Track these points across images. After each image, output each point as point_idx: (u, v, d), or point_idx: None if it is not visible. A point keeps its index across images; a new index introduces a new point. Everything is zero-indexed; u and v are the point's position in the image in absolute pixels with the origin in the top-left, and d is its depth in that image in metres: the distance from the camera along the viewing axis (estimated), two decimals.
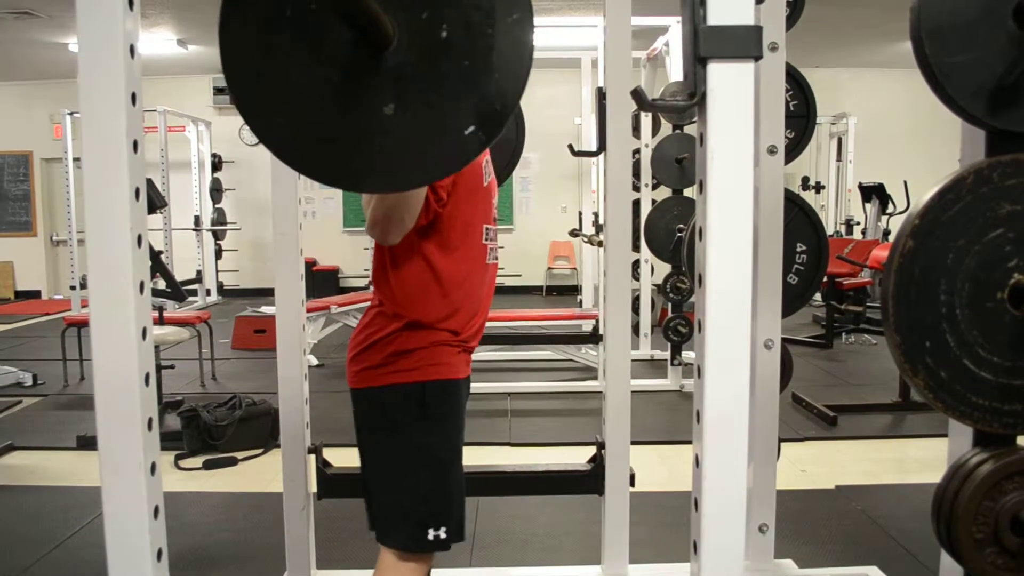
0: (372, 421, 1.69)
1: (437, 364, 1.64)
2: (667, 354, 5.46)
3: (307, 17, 0.99)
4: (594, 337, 5.33)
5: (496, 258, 1.79)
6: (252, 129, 1.04)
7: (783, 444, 2.54)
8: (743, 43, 1.06)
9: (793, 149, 2.63)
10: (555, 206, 10.97)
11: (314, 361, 5.99)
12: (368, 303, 1.75)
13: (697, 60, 1.07)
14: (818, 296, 7.34)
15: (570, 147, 3.26)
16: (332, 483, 2.37)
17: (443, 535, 1.62)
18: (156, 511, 1.17)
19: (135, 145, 1.13)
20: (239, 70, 1.02)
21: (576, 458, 2.64)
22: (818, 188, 9.76)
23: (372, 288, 1.74)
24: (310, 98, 1.02)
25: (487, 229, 1.73)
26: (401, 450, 1.65)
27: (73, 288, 8.64)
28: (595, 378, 5.45)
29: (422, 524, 1.62)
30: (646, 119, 5.65)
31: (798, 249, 2.53)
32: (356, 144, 1.03)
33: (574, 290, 10.32)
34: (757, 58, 1.07)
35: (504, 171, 2.04)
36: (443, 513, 1.64)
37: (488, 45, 1.01)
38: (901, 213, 8.14)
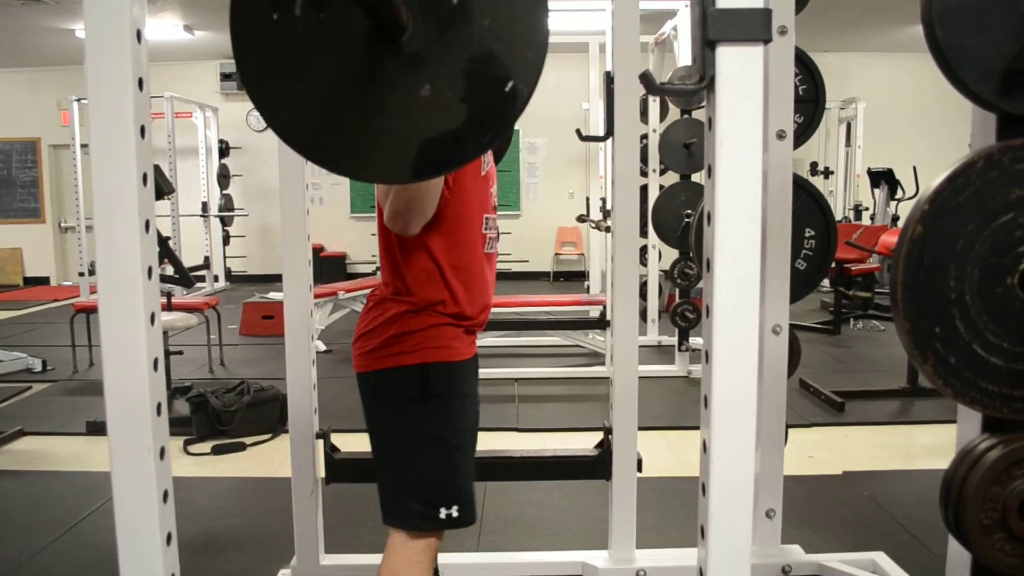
0: (377, 404, 1.69)
1: (439, 347, 1.64)
2: (674, 340, 5.47)
3: (323, 19, 0.99)
4: (601, 323, 5.33)
5: (495, 248, 1.78)
6: (313, 161, 1.05)
7: (790, 430, 2.54)
8: (752, 26, 1.05)
9: (802, 134, 2.61)
10: (562, 192, 10.95)
11: (322, 347, 6.01)
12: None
13: (706, 44, 1.06)
14: (826, 282, 7.32)
15: (578, 132, 3.25)
16: (340, 468, 2.38)
17: (455, 513, 1.63)
18: (165, 496, 1.18)
19: (142, 131, 1.13)
20: (267, 97, 1.02)
21: (583, 443, 2.64)
22: (827, 173, 9.72)
23: (380, 273, 1.75)
24: (349, 103, 1.01)
25: (486, 219, 1.71)
26: (407, 432, 1.65)
27: (82, 274, 8.69)
28: (602, 364, 5.45)
29: (432, 503, 1.62)
30: (654, 104, 5.62)
31: (806, 234, 2.52)
32: (408, 135, 1.02)
33: (581, 276, 10.32)
34: (766, 41, 1.06)
35: (498, 153, 2.04)
36: (453, 493, 1.64)
37: None
38: (910, 198, 8.10)
